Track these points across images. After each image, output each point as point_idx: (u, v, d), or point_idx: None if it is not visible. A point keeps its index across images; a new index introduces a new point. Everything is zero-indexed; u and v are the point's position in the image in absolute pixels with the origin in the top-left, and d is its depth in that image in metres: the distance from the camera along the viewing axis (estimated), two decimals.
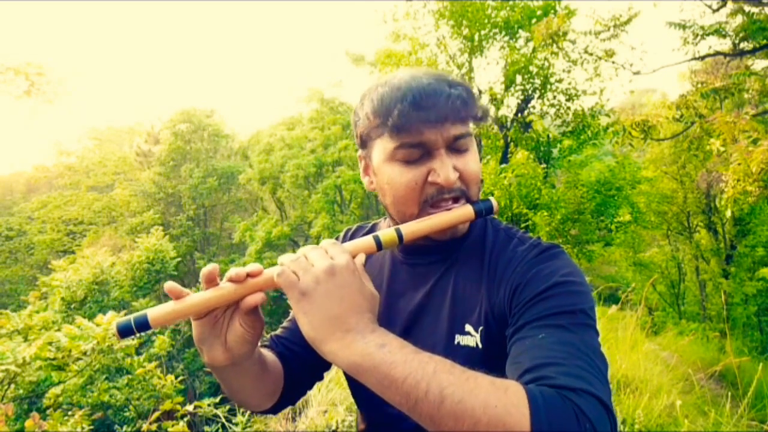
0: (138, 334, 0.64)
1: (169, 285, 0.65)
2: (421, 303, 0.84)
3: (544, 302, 0.68)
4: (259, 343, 0.76)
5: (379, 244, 0.71)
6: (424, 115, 0.71)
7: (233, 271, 0.66)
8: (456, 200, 0.77)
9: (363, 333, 0.60)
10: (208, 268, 0.66)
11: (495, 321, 0.76)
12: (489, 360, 0.73)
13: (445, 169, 0.74)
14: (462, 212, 0.76)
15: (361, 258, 0.68)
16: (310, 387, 0.95)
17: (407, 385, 0.54)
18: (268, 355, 0.85)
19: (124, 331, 0.62)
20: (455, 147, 0.76)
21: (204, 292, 0.65)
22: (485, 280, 0.79)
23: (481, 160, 0.82)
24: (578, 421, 0.51)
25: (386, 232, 0.72)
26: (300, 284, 0.61)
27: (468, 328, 0.78)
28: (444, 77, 0.76)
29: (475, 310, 0.78)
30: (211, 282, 0.66)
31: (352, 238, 0.99)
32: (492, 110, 9.70)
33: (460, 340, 0.78)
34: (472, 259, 0.83)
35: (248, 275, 0.66)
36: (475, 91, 0.81)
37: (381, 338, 0.59)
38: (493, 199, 0.78)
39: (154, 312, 0.63)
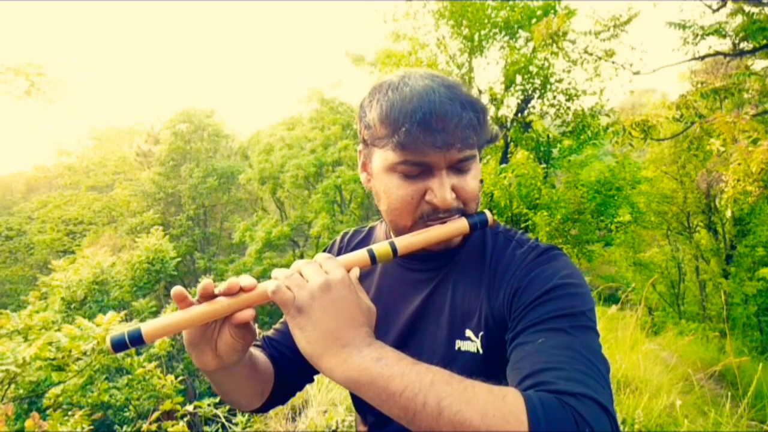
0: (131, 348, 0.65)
1: (176, 291, 0.65)
2: (420, 308, 0.83)
3: (544, 306, 0.68)
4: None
5: (373, 258, 0.71)
6: (431, 139, 0.70)
7: (226, 284, 0.66)
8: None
9: (359, 347, 0.59)
10: (203, 285, 0.66)
11: (495, 325, 0.75)
12: (490, 365, 0.73)
13: (442, 191, 0.73)
14: (457, 226, 0.75)
15: (355, 272, 0.67)
16: (300, 389, 0.95)
17: (405, 398, 0.54)
18: (260, 355, 0.85)
19: (118, 346, 0.63)
20: (457, 167, 0.75)
21: (196, 307, 0.65)
22: (485, 285, 0.78)
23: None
24: (578, 426, 0.50)
25: (380, 246, 0.72)
26: (296, 300, 0.61)
27: (468, 333, 0.77)
28: (458, 93, 0.73)
29: (476, 315, 0.77)
30: (206, 296, 0.66)
31: (348, 243, 0.99)
32: (492, 110, 9.70)
33: (461, 345, 0.77)
34: (471, 264, 0.82)
35: (241, 289, 0.66)
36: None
37: (377, 352, 0.59)
38: (488, 212, 0.78)
39: (148, 326, 0.63)
